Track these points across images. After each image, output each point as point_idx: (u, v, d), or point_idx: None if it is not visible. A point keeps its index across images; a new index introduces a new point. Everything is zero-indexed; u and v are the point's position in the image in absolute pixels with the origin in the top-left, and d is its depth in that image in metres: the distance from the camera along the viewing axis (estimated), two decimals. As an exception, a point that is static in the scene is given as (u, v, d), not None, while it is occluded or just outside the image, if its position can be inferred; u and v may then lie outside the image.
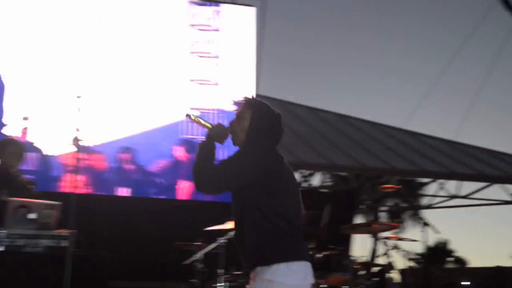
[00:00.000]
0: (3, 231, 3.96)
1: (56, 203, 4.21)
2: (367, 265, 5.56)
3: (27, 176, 4.97)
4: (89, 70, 7.29)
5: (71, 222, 3.96)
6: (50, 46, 7.24)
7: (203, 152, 2.80)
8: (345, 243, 6.82)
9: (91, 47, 7.36)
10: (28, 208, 4.07)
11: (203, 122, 2.93)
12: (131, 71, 7.50)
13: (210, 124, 2.92)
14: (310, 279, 2.72)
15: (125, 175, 7.19)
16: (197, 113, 2.91)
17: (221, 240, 5.16)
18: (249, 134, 2.88)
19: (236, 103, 3.25)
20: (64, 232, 4.08)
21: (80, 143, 4.57)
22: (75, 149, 4.51)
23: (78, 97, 4.53)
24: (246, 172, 2.73)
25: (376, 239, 5.81)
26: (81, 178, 6.79)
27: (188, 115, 2.90)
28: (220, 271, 5.09)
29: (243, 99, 2.97)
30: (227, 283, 5.13)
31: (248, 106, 2.93)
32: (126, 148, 7.33)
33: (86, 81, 7.18)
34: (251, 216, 2.72)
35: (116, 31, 7.52)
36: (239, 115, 2.92)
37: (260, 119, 2.90)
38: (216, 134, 2.87)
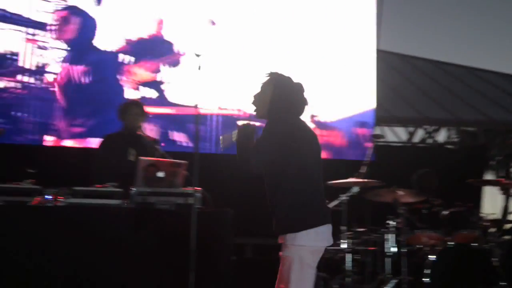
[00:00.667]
0: (134, 189, 4.19)
1: (182, 161, 4.37)
2: (498, 222, 5.31)
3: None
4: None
5: (195, 180, 4.08)
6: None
7: (240, 148, 3.02)
8: (474, 200, 6.53)
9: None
10: (157, 167, 4.26)
11: (232, 138, 3.11)
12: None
13: (234, 134, 3.09)
14: (331, 240, 3.01)
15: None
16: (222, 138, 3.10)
17: (344, 197, 5.13)
18: (271, 107, 3.06)
19: (259, 78, 3.26)
20: (190, 189, 4.24)
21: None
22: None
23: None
24: (270, 150, 2.94)
25: (508, 196, 5.53)
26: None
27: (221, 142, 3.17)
28: (343, 228, 5.08)
29: (266, 73, 3.14)
30: (350, 240, 5.11)
31: (270, 80, 3.11)
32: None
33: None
34: (281, 185, 2.96)
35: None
36: (262, 89, 3.12)
37: (281, 93, 3.07)
38: (244, 136, 3.04)
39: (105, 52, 7.05)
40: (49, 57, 6.95)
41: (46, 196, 4.08)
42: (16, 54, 6.88)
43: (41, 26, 6.98)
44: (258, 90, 3.15)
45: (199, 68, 4.22)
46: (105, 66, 7.05)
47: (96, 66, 7.03)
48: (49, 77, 6.90)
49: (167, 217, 4.15)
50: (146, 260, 4.02)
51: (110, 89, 7.01)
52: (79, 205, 4.10)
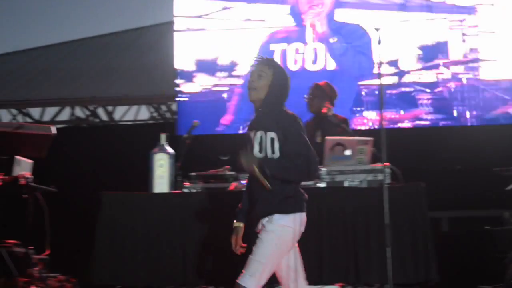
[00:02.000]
0: (323, 169, 4.26)
1: (369, 138, 4.35)
2: None
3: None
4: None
5: (384, 156, 4.04)
6: None
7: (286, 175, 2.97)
8: None
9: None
10: (344, 145, 4.30)
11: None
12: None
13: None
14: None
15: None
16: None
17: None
18: (269, 93, 3.02)
19: (255, 61, 3.10)
20: (379, 165, 4.21)
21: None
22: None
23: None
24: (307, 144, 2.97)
25: None
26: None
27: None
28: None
29: (262, 58, 3.08)
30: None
31: (268, 65, 3.06)
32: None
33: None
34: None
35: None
36: (260, 73, 3.03)
37: (281, 79, 3.05)
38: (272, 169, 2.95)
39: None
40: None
41: (241, 181, 4.31)
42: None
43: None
44: (258, 73, 3.06)
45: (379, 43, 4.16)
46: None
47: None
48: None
49: (358, 195, 4.17)
50: (342, 237, 4.09)
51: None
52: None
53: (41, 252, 4.38)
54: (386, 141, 4.01)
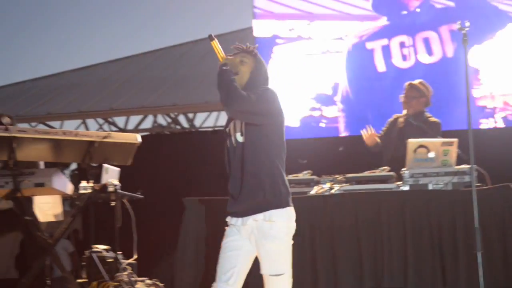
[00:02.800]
0: (406, 171, 4.17)
1: (453, 140, 4.23)
2: None
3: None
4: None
5: (471, 157, 3.91)
6: None
7: (226, 80, 2.80)
8: None
9: None
10: (427, 147, 4.20)
11: (219, 49, 2.91)
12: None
13: (223, 54, 2.91)
14: None
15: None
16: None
17: None
18: (251, 79, 2.90)
19: (236, 48, 2.98)
20: (465, 167, 4.08)
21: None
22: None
23: None
24: (272, 109, 2.81)
25: None
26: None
27: (210, 36, 2.93)
28: None
29: (243, 46, 2.97)
30: None
31: (250, 53, 2.95)
32: None
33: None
34: (268, 158, 2.78)
35: None
36: (242, 60, 2.92)
37: (262, 67, 2.96)
38: (230, 66, 2.83)
39: None
40: None
41: (323, 185, 4.29)
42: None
43: None
44: (240, 59, 2.93)
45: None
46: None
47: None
48: None
49: (443, 198, 4.06)
50: (427, 242, 3.98)
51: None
52: (354, 191, 4.23)
53: (129, 256, 4.51)
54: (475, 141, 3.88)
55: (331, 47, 6.91)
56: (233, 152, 2.84)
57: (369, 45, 6.83)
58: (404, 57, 6.73)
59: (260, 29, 7.14)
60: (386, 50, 6.77)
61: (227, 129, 2.92)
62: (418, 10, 6.77)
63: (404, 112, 4.92)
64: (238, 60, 2.91)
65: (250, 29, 7.60)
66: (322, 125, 6.91)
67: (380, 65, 6.77)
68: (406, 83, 4.96)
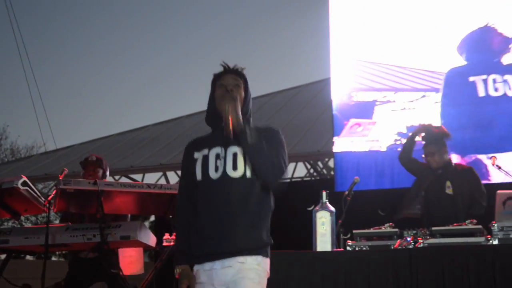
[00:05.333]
0: (495, 225, 4.01)
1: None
2: None
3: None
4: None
5: None
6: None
7: (264, 149, 2.57)
8: None
9: None
10: (517, 199, 4.04)
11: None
12: None
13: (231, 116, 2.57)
14: None
15: None
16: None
17: None
18: (246, 104, 2.69)
19: (232, 71, 2.73)
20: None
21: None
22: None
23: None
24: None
25: None
26: None
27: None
28: None
29: (236, 67, 2.73)
30: None
31: (239, 74, 2.73)
32: None
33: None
34: (267, 198, 2.67)
35: None
36: (237, 84, 2.70)
37: (248, 87, 2.74)
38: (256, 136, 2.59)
39: None
40: None
41: (407, 238, 4.18)
42: None
43: None
44: (234, 82, 2.69)
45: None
46: None
47: None
48: None
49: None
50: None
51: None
52: (439, 245, 4.09)
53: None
54: None
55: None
56: (225, 183, 2.59)
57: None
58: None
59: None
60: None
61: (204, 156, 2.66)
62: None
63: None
64: (234, 95, 2.64)
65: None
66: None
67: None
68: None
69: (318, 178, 10.18)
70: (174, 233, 4.50)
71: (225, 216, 2.55)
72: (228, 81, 2.69)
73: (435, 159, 4.94)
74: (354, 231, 4.34)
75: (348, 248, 4.29)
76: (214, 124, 2.72)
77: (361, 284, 4.09)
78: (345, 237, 4.36)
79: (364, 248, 4.27)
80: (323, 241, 4.33)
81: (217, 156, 2.60)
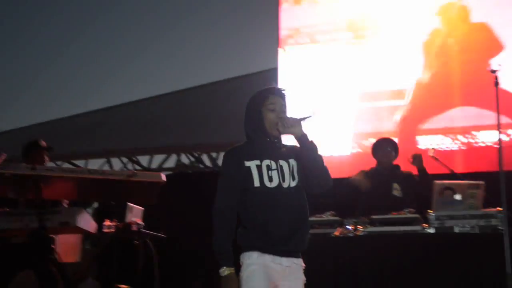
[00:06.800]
0: (432, 214, 4.12)
1: (480, 182, 4.19)
2: None
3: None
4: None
5: (502, 201, 3.86)
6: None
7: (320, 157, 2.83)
8: None
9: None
10: (453, 189, 4.16)
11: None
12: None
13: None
14: None
15: None
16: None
17: None
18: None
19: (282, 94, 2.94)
20: (492, 210, 4.03)
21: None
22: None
23: None
24: None
25: None
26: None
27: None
28: None
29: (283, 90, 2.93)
30: None
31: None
32: None
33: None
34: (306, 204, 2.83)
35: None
36: (284, 104, 2.92)
37: None
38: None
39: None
40: None
41: (347, 227, 4.25)
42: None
43: None
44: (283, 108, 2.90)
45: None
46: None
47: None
48: None
49: (470, 241, 3.99)
50: (457, 286, 3.90)
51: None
52: (379, 233, 4.18)
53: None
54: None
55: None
56: (280, 194, 2.79)
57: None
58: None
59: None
60: None
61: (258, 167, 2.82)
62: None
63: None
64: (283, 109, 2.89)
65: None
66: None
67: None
68: (381, 138, 5.27)
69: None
70: (115, 220, 4.46)
71: (288, 221, 2.75)
72: (279, 105, 2.89)
73: (391, 156, 5.05)
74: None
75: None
76: (257, 136, 2.90)
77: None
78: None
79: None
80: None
81: (268, 167, 2.81)
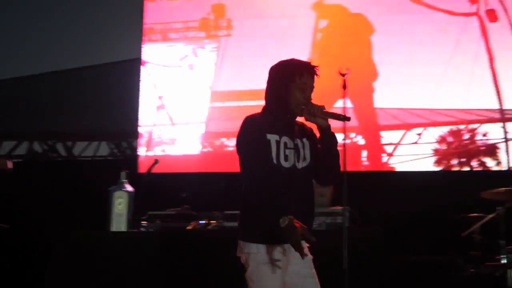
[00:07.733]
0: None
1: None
2: None
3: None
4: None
5: (344, 199, 4.05)
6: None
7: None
8: None
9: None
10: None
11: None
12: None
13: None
14: None
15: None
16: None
17: (501, 209, 4.84)
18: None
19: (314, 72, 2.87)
20: (339, 208, 4.22)
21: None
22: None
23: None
24: None
25: None
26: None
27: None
28: (502, 242, 4.79)
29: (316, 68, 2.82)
30: (510, 255, 4.80)
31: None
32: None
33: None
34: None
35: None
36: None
37: None
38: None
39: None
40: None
41: (200, 221, 4.27)
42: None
43: None
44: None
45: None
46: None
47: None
48: None
49: (317, 237, 4.14)
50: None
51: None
52: (232, 227, 4.24)
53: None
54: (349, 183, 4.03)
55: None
56: (294, 175, 2.70)
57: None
58: None
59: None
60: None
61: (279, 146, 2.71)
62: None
63: None
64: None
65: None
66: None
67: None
68: None
69: (121, 158, 9.98)
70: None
71: (301, 208, 2.67)
72: (310, 86, 2.75)
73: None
74: (149, 212, 4.34)
75: (142, 229, 4.28)
76: (279, 110, 2.75)
77: (154, 264, 4.10)
78: (143, 218, 4.34)
79: (158, 229, 4.29)
80: (119, 221, 4.27)
81: (285, 145, 2.70)
